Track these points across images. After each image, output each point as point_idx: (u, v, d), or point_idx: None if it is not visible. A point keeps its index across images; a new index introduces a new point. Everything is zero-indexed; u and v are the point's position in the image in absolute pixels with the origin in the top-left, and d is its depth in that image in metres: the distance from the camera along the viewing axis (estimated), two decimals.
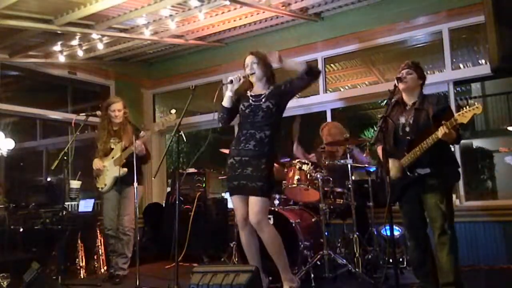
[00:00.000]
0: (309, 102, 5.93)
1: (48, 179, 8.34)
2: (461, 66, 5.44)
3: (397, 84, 3.12)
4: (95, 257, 5.20)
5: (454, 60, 5.07)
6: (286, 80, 3.47)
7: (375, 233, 4.35)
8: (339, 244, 4.31)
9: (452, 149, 3.50)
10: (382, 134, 2.97)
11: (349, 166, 4.18)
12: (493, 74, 2.65)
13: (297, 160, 4.19)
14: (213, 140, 8.31)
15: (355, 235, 4.01)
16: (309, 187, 4.07)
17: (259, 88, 3.48)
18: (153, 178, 4.41)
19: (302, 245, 3.85)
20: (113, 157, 4.58)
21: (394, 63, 6.08)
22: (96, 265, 5.18)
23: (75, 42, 5.51)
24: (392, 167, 3.16)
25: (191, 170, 5.90)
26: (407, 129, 3.19)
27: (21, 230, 4.98)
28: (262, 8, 4.96)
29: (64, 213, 5.05)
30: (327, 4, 5.28)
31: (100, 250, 5.22)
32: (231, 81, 3.39)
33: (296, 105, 5.82)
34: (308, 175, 4.09)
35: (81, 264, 5.00)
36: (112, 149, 4.62)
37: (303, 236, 3.89)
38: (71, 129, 5.18)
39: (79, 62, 6.13)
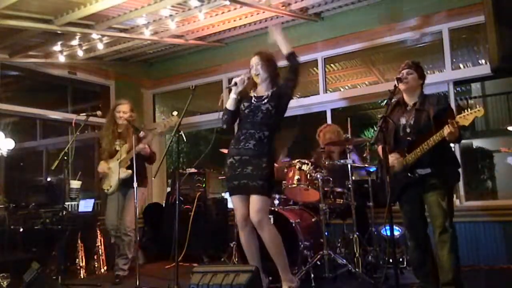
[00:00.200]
0: (309, 102, 5.93)
1: (48, 179, 8.34)
2: (461, 66, 5.44)
3: (397, 85, 3.12)
4: (95, 257, 5.20)
5: (454, 60, 5.07)
6: (281, 83, 3.48)
7: (375, 233, 4.35)
8: (339, 244, 4.31)
9: (453, 149, 3.49)
10: (382, 134, 2.97)
11: (349, 166, 4.18)
12: (493, 74, 2.65)
13: (297, 160, 4.19)
14: (213, 140, 8.30)
15: (355, 235, 4.01)
16: (309, 187, 4.07)
17: (262, 89, 3.48)
18: (153, 178, 4.41)
19: (302, 245, 3.85)
20: (118, 159, 4.58)
21: (394, 63, 6.08)
22: (96, 265, 5.19)
23: (75, 42, 5.51)
24: (395, 160, 3.17)
25: (191, 170, 5.91)
26: (408, 129, 3.19)
27: (21, 230, 4.98)
28: (262, 8, 4.96)
29: (64, 213, 5.05)
30: (327, 4, 5.28)
31: (100, 250, 5.22)
32: (236, 84, 3.38)
33: (296, 105, 5.82)
34: (308, 175, 4.09)
35: (81, 264, 5.01)
36: (117, 151, 4.62)
37: (303, 236, 3.89)
38: (71, 129, 5.18)
39: (79, 62, 6.12)
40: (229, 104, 3.47)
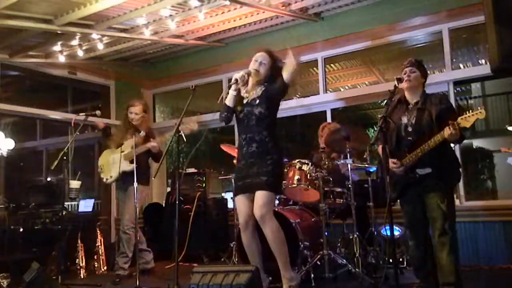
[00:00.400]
0: (309, 102, 5.94)
1: (48, 179, 8.35)
2: (461, 66, 5.44)
3: (397, 85, 3.12)
4: (95, 257, 5.20)
5: (454, 60, 5.07)
6: (274, 84, 3.40)
7: (375, 233, 4.35)
8: (339, 244, 4.31)
9: (453, 148, 3.48)
10: (382, 134, 2.96)
11: (349, 166, 4.18)
12: (493, 74, 2.65)
13: (297, 160, 4.18)
14: (213, 139, 8.31)
15: (355, 235, 4.01)
16: (309, 187, 4.07)
17: (254, 88, 3.46)
18: (153, 178, 4.41)
19: (302, 245, 3.85)
20: (122, 152, 4.59)
21: (394, 63, 6.09)
22: (96, 265, 5.19)
23: (75, 42, 5.51)
24: (393, 166, 3.16)
25: (191, 170, 5.91)
26: (409, 129, 3.17)
27: (21, 230, 4.99)
28: (262, 8, 4.96)
29: (64, 213, 5.06)
30: (327, 4, 5.28)
31: (100, 250, 5.22)
32: (236, 80, 3.37)
33: (296, 105, 5.84)
34: (308, 175, 4.08)
35: (81, 264, 5.01)
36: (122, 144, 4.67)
37: (303, 236, 3.89)
38: (71, 129, 5.18)
39: (79, 62, 6.12)
40: (229, 101, 3.45)
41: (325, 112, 5.78)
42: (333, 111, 5.79)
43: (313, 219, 4.29)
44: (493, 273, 4.34)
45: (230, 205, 5.89)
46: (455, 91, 5.11)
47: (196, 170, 5.90)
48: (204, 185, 5.81)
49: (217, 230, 5.74)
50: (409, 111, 3.23)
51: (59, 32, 5.07)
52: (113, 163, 4.62)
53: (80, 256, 5.04)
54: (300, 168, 4.12)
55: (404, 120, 3.22)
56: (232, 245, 4.58)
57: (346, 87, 6.93)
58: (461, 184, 4.77)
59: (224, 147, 4.90)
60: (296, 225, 3.91)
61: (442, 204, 3.02)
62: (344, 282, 3.87)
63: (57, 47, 5.60)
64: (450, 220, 3.04)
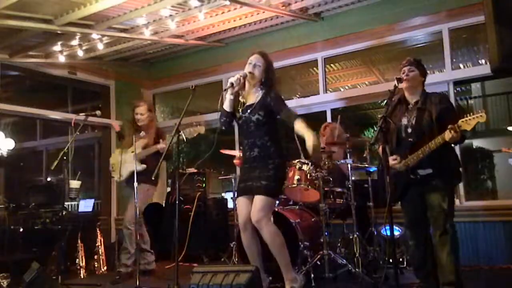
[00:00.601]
0: (309, 102, 5.93)
1: (48, 179, 8.35)
2: (461, 66, 5.44)
3: (397, 85, 3.11)
4: (95, 257, 5.20)
5: (454, 60, 5.07)
6: (275, 100, 3.34)
7: (375, 233, 4.35)
8: (339, 244, 4.31)
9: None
10: (382, 134, 2.96)
11: (349, 166, 4.18)
12: (493, 74, 2.65)
13: (297, 160, 4.18)
14: (213, 140, 8.29)
15: (355, 235, 4.01)
16: (309, 187, 4.07)
17: (251, 92, 3.45)
18: (153, 178, 4.42)
19: (302, 245, 3.85)
20: (132, 152, 4.61)
21: (394, 63, 6.08)
22: (96, 265, 5.19)
23: (75, 42, 5.51)
24: (393, 162, 3.15)
25: (191, 170, 5.91)
26: (409, 130, 3.17)
27: (21, 230, 4.99)
28: (262, 8, 4.96)
29: (64, 213, 5.06)
30: (327, 4, 5.28)
31: (100, 250, 5.22)
32: (232, 84, 3.35)
33: (296, 105, 5.83)
34: (308, 175, 4.08)
35: (81, 264, 5.01)
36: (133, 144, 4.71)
37: (303, 236, 3.89)
38: (71, 129, 5.20)
39: (79, 62, 6.12)
40: (226, 105, 3.45)
41: (325, 112, 5.78)
42: (333, 111, 5.79)
43: (313, 219, 4.29)
44: (493, 273, 4.34)
45: (230, 205, 5.89)
46: (455, 91, 5.11)
47: (196, 170, 5.90)
48: (204, 185, 5.81)
49: (217, 230, 5.73)
50: (409, 111, 3.23)
51: (59, 32, 5.07)
52: (123, 163, 4.69)
53: (80, 256, 5.04)
54: (300, 168, 4.12)
55: (404, 121, 3.21)
56: (232, 245, 4.58)
57: (346, 87, 6.92)
58: (461, 184, 4.76)
59: (224, 151, 4.92)
60: (296, 225, 3.91)
61: (443, 203, 3.02)
62: (344, 282, 3.87)
63: (57, 47, 5.60)
64: (451, 220, 3.04)
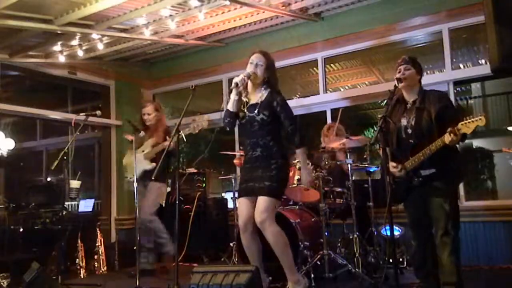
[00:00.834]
0: (309, 102, 5.93)
1: (48, 179, 8.35)
2: (461, 66, 5.44)
3: (397, 85, 3.11)
4: (95, 257, 5.20)
5: (454, 60, 5.07)
6: (281, 106, 3.37)
7: (375, 233, 4.35)
8: (339, 244, 4.31)
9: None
10: (382, 134, 2.96)
11: (349, 166, 4.18)
12: (493, 74, 2.65)
13: (297, 160, 4.18)
14: (213, 140, 8.30)
15: (355, 235, 4.01)
16: (309, 187, 4.07)
17: (254, 92, 3.45)
18: (153, 178, 4.43)
19: (302, 245, 3.85)
20: (143, 151, 4.79)
21: (394, 63, 6.02)
22: (96, 265, 5.19)
23: (75, 42, 5.50)
24: (394, 170, 3.15)
25: (191, 170, 5.91)
26: (409, 131, 3.15)
27: (21, 230, 4.99)
28: (262, 8, 4.95)
29: (64, 213, 5.06)
30: (327, 4, 5.28)
31: (100, 250, 5.23)
32: (237, 84, 3.33)
33: (296, 105, 5.82)
34: None
35: (81, 264, 5.01)
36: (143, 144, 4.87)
37: (303, 236, 3.89)
38: (71, 129, 5.20)
39: (79, 62, 6.12)
40: (231, 106, 3.43)
41: (325, 112, 5.78)
42: (333, 111, 5.79)
43: (313, 219, 4.29)
44: (493, 273, 4.34)
45: (230, 205, 5.89)
46: (455, 91, 5.11)
47: (196, 170, 5.90)
48: (204, 185, 5.81)
49: (217, 230, 5.73)
50: (407, 112, 3.20)
51: (59, 32, 5.07)
52: (134, 163, 4.71)
53: (80, 256, 5.04)
54: (300, 168, 4.12)
55: (404, 122, 3.19)
56: (232, 245, 4.58)
57: (346, 87, 6.93)
58: (461, 184, 4.77)
59: (224, 153, 4.94)
60: (296, 225, 3.91)
61: (445, 204, 3.01)
62: (344, 282, 3.87)
63: (57, 47, 5.60)
64: (453, 221, 3.02)
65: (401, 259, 4.32)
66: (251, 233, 3.37)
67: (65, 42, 5.51)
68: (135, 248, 4.19)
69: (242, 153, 4.22)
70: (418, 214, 3.19)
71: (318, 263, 3.88)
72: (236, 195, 4.82)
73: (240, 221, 3.41)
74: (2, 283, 4.20)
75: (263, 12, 5.15)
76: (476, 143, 10.39)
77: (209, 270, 2.92)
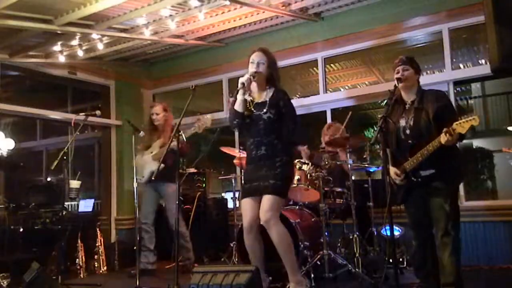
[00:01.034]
0: (309, 102, 5.93)
1: (48, 179, 8.35)
2: (461, 66, 5.44)
3: (397, 85, 3.11)
4: (95, 257, 5.21)
5: (454, 60, 5.07)
6: (286, 105, 3.39)
7: (375, 233, 4.35)
8: (339, 244, 4.31)
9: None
10: (382, 134, 2.96)
11: (349, 166, 4.18)
12: (493, 74, 2.65)
13: (297, 160, 4.18)
14: (213, 139, 8.31)
15: (355, 235, 4.01)
16: (309, 187, 4.07)
17: (259, 91, 3.44)
18: (153, 178, 4.44)
19: (302, 245, 3.85)
20: (152, 152, 4.86)
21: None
22: (96, 265, 5.19)
23: (75, 42, 5.50)
24: (394, 175, 3.15)
25: (191, 170, 5.91)
26: (408, 131, 3.15)
27: (21, 230, 4.98)
28: (262, 8, 4.96)
29: (64, 213, 5.06)
30: (327, 4, 5.28)
31: (100, 250, 5.23)
32: (243, 84, 3.30)
33: (296, 105, 5.80)
34: (308, 175, 4.08)
35: (81, 264, 5.01)
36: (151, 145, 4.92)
37: (303, 236, 3.89)
38: (71, 129, 5.20)
39: (79, 62, 6.12)
40: (239, 106, 3.37)
41: (325, 112, 5.78)
42: (333, 111, 5.79)
43: (313, 219, 4.29)
44: (493, 273, 4.34)
45: (230, 205, 5.89)
46: (455, 91, 5.11)
47: (196, 170, 5.90)
48: (204, 185, 5.81)
49: (217, 230, 5.74)
50: (406, 112, 3.20)
51: (59, 32, 5.07)
52: (144, 164, 4.86)
53: (80, 256, 5.04)
54: (300, 168, 4.13)
55: (402, 122, 3.19)
56: (232, 245, 4.58)
57: (346, 87, 6.93)
58: (461, 184, 4.77)
59: (224, 149, 4.92)
60: (296, 225, 3.91)
61: (445, 205, 3.01)
62: (344, 282, 3.87)
63: (57, 47, 5.60)
64: (453, 221, 3.02)
65: (401, 259, 4.32)
66: (255, 234, 3.36)
67: (65, 42, 5.51)
68: (135, 248, 4.21)
69: (244, 154, 4.22)
70: (419, 214, 3.19)
71: (318, 263, 3.88)
72: (237, 195, 4.84)
73: (245, 222, 3.38)
74: (2, 283, 4.20)
75: (263, 12, 5.15)
76: (476, 143, 10.39)
77: (209, 270, 2.92)
